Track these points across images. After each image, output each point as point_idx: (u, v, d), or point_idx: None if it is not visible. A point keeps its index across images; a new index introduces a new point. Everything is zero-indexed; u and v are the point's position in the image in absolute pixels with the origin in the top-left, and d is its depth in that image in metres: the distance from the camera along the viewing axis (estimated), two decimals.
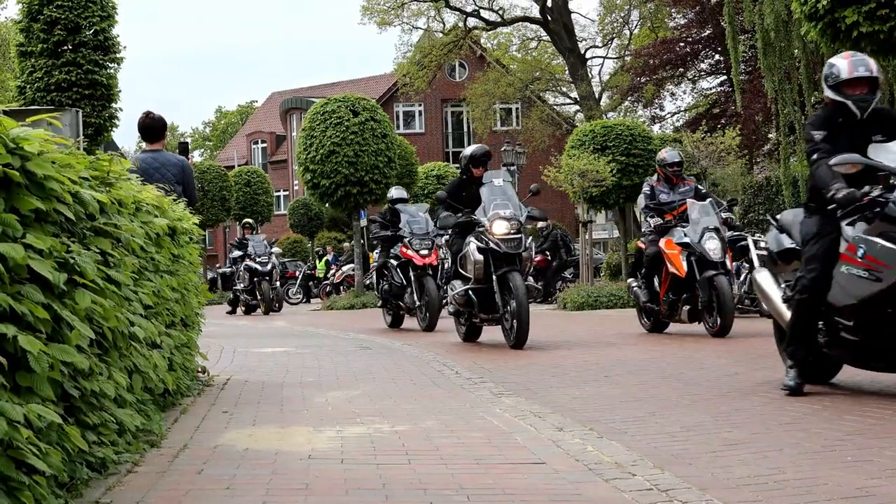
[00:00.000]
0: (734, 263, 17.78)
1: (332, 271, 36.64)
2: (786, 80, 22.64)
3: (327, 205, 32.98)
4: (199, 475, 4.84)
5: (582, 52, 54.00)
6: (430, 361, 10.67)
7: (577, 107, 55.49)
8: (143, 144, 10.29)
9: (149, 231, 6.09)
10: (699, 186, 14.46)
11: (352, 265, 34.11)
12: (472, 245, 12.35)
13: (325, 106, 30.60)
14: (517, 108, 60.50)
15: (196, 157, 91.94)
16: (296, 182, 59.02)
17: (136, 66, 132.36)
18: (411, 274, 16.72)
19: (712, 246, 13.01)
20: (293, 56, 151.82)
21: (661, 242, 13.50)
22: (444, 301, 14.90)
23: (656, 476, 4.72)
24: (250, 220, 30.61)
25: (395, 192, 19.09)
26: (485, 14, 54.48)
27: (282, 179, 68.47)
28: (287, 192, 68.29)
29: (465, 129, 64.24)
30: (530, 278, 12.87)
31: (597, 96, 53.98)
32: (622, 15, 56.08)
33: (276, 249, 28.18)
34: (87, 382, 4.38)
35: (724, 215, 13.78)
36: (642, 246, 14.70)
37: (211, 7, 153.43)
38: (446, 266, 16.12)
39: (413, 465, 5.06)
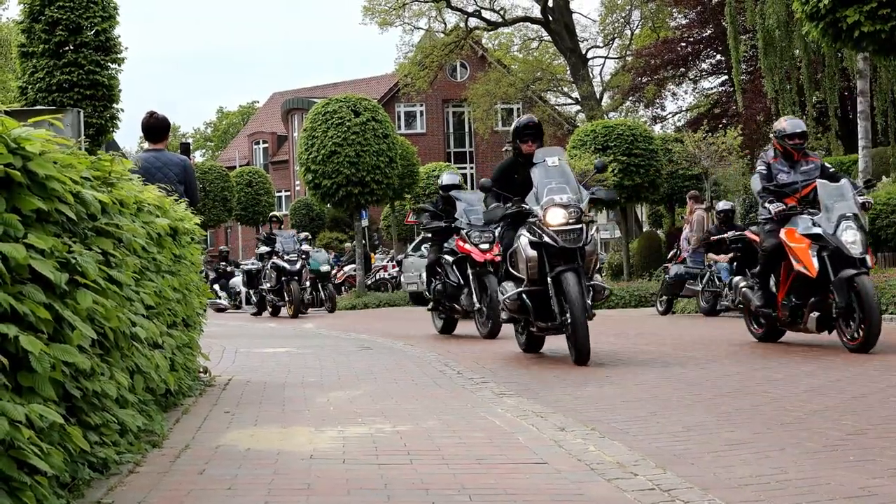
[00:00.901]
0: (735, 263, 17.81)
1: (334, 271, 36.56)
2: (786, 79, 22.65)
3: (329, 205, 33.00)
4: (201, 475, 4.84)
5: (583, 52, 53.99)
6: (431, 361, 10.66)
7: (579, 107, 55.50)
8: (145, 144, 10.29)
9: (150, 231, 6.08)
10: (826, 164, 11.83)
11: (353, 265, 34.11)
12: (522, 239, 10.55)
13: (326, 106, 30.62)
14: (518, 109, 60.42)
15: (197, 157, 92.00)
16: (297, 182, 59.02)
17: (134, 67, 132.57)
18: (469, 271, 14.60)
19: (850, 238, 10.54)
20: (292, 57, 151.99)
21: (782, 233, 10.98)
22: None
23: (658, 476, 4.72)
24: (277, 214, 27.78)
25: (448, 177, 16.60)
26: (486, 14, 54.49)
27: (283, 180, 68.49)
28: (288, 193, 68.31)
29: (467, 129, 64.28)
30: (597, 277, 10.92)
31: (598, 96, 53.99)
32: (623, 15, 56.10)
33: (307, 247, 25.29)
34: (88, 383, 4.38)
35: (861, 199, 11.05)
36: (754, 237, 13.12)
37: (209, 8, 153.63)
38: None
39: (415, 465, 5.06)
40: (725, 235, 18.16)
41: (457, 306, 15.01)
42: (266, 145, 74.53)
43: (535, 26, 55.64)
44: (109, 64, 24.68)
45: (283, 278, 23.92)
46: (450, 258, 15.03)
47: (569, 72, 53.88)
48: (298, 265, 23.83)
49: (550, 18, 51.92)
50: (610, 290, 11.90)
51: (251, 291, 32.04)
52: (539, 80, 55.69)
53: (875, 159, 23.10)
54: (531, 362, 10.65)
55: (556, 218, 10.32)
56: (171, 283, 6.84)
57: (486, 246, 14.54)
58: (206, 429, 6.25)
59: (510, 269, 10.87)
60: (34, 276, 3.69)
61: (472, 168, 63.83)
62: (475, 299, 14.40)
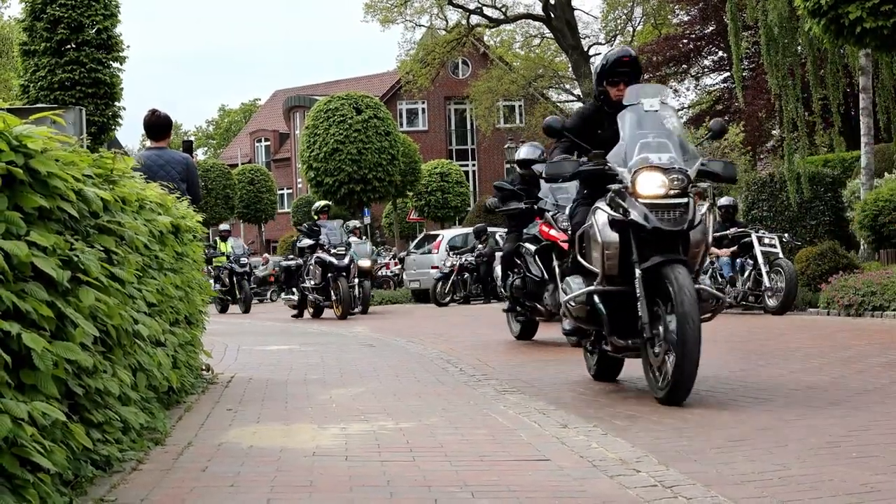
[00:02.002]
0: (738, 259, 17.81)
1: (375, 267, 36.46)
2: (789, 76, 22.63)
3: (331, 203, 33.01)
4: (204, 472, 4.85)
5: (585, 48, 53.96)
6: (434, 359, 10.66)
7: (581, 104, 55.45)
8: (147, 142, 10.30)
9: (152, 229, 6.09)
10: None
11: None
12: (599, 215, 7.47)
13: (328, 104, 30.65)
14: (520, 106, 60.51)
15: (199, 155, 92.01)
16: (299, 180, 59.07)
17: (136, 66, 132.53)
18: (555, 264, 11.74)
19: None
20: (294, 55, 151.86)
21: None
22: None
23: (661, 472, 4.72)
24: (329, 203, 25.08)
25: (527, 149, 13.87)
26: (488, 11, 54.48)
27: (285, 177, 68.50)
28: (290, 190, 68.32)
29: (469, 126, 64.27)
30: (704, 279, 9.05)
31: None
32: (625, 12, 56.12)
33: (354, 239, 22.90)
34: (91, 380, 4.38)
35: None
36: None
37: (210, 7, 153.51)
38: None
39: (417, 462, 5.06)
40: (728, 232, 18.15)
41: (539, 306, 12.35)
42: (268, 143, 74.53)
43: (537, 23, 55.66)
44: (111, 62, 24.72)
45: (329, 274, 21.10)
46: (531, 247, 12.44)
47: (570, 69, 53.89)
48: (347, 260, 21.13)
49: (552, 15, 51.91)
50: (725, 299, 8.09)
51: (282, 289, 30.82)
52: (541, 77, 55.73)
53: (877, 156, 23.08)
54: (534, 360, 10.63)
55: (650, 186, 7.24)
56: (174, 281, 6.84)
57: None
58: (209, 426, 6.25)
59: (580, 258, 7.86)
60: (36, 273, 3.69)
61: (474, 165, 63.84)
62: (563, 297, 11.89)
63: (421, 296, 29.48)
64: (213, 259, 27.18)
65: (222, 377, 9.03)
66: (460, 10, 54.06)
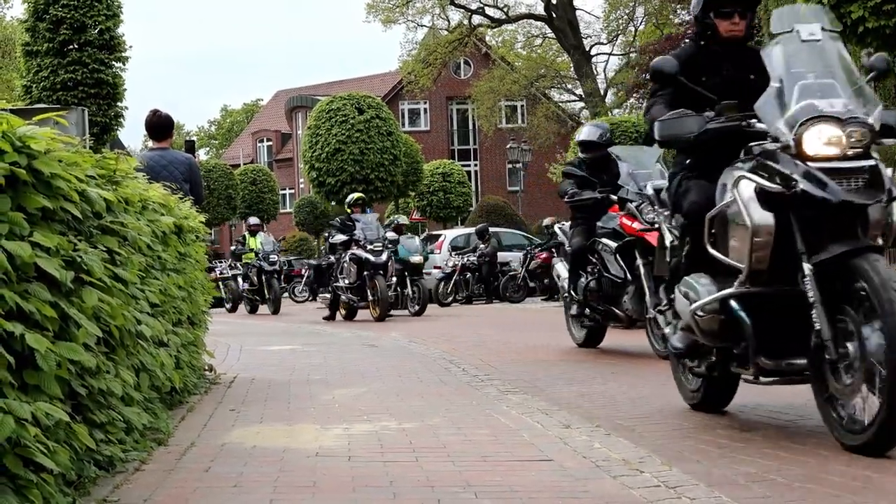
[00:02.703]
0: None
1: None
2: None
3: (333, 202, 33.02)
4: (207, 473, 4.85)
5: (587, 48, 54.02)
6: (436, 359, 10.66)
7: (583, 104, 55.51)
8: (150, 143, 10.30)
9: (155, 229, 6.09)
10: None
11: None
12: (743, 188, 5.59)
13: (330, 104, 30.68)
14: (522, 106, 60.51)
15: (202, 155, 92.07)
16: (301, 180, 59.09)
17: (138, 67, 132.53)
18: (639, 262, 10.17)
19: None
20: (296, 56, 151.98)
21: None
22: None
23: (664, 473, 4.72)
24: (363, 196, 22.69)
25: (589, 130, 11.92)
26: (489, 11, 54.55)
27: (287, 177, 68.53)
28: (293, 191, 68.35)
29: (471, 126, 64.27)
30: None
31: (602, 93, 54.03)
32: (627, 11, 56.14)
33: (392, 235, 21.02)
34: (94, 381, 4.38)
35: None
36: None
37: (212, 8, 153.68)
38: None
39: (420, 463, 5.06)
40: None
41: (617, 311, 10.69)
42: (270, 143, 74.57)
43: (539, 23, 55.70)
44: (114, 62, 24.74)
45: (364, 273, 19.30)
46: (611, 244, 10.69)
47: (572, 68, 53.93)
48: (384, 257, 19.37)
49: (554, 15, 51.93)
50: None
51: (315, 289, 29.37)
52: (543, 77, 55.75)
53: (880, 155, 23.03)
54: (537, 360, 10.63)
55: (823, 143, 5.35)
56: (177, 281, 6.85)
57: None
58: (212, 426, 6.25)
59: (709, 247, 5.81)
60: (40, 274, 3.69)
61: (475, 166, 63.84)
62: (650, 303, 9.65)
63: None
64: (242, 255, 26.23)
65: (225, 377, 9.03)
66: (462, 10, 54.12)
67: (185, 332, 7.34)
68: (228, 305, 26.54)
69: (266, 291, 25.11)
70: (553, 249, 28.86)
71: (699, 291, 5.90)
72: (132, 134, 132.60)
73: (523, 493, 4.37)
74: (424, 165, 40.59)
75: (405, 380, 8.93)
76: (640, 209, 10.03)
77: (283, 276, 23.13)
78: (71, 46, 24.23)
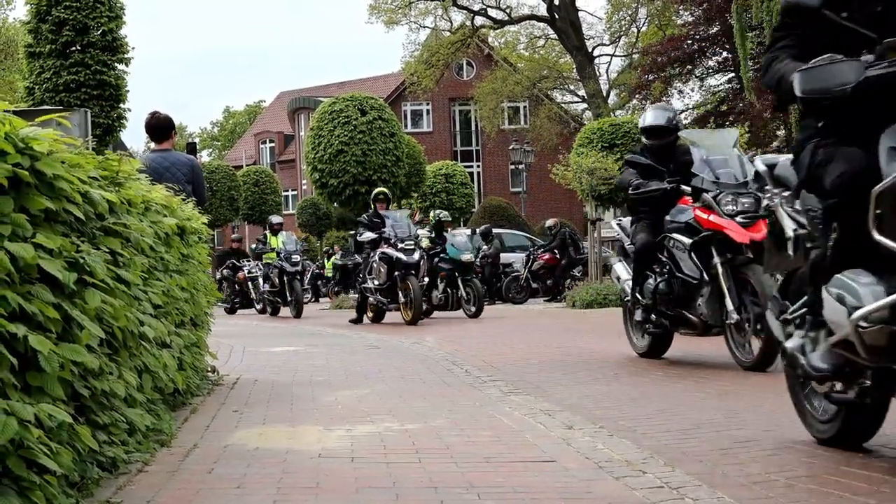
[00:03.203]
0: None
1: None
2: None
3: (336, 204, 33.00)
4: (210, 474, 4.85)
5: (589, 49, 54.04)
6: (439, 360, 10.66)
7: (585, 105, 55.55)
8: (152, 144, 10.30)
9: (158, 231, 6.09)
10: None
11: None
12: None
13: (332, 105, 30.65)
14: (525, 107, 60.52)
15: (204, 156, 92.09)
16: (304, 181, 59.09)
17: (140, 68, 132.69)
18: (716, 259, 9.06)
19: None
20: (298, 57, 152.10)
21: None
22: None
23: (667, 474, 4.72)
24: (385, 190, 21.11)
25: (655, 114, 10.42)
26: (492, 12, 54.58)
27: (290, 179, 68.55)
28: (295, 192, 68.36)
29: (473, 127, 64.27)
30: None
31: (605, 94, 54.05)
32: (630, 13, 56.18)
33: (423, 231, 20.06)
34: (97, 382, 4.39)
35: None
36: None
37: (214, 9, 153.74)
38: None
39: (423, 464, 5.06)
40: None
41: (690, 316, 9.50)
42: (273, 144, 74.60)
43: (542, 24, 55.74)
44: (116, 64, 24.74)
45: (395, 273, 17.98)
46: (684, 240, 9.42)
47: (575, 70, 53.95)
48: (417, 255, 18.09)
49: (556, 16, 51.95)
50: None
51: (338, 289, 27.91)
52: (545, 78, 55.78)
53: None
54: (539, 361, 10.62)
55: None
56: (179, 283, 6.85)
57: (747, 220, 9.04)
58: (215, 428, 6.25)
59: (875, 235, 4.38)
60: (42, 275, 3.69)
61: (478, 167, 63.85)
62: (730, 306, 8.91)
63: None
64: (263, 255, 25.15)
65: (228, 379, 9.03)
66: (465, 11, 54.16)
67: (188, 333, 7.34)
68: (259, 307, 25.64)
69: (288, 293, 23.92)
70: (556, 251, 28.87)
71: (860, 294, 4.46)
72: (135, 135, 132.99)
73: (526, 495, 4.37)
74: (427, 167, 40.57)
75: (408, 381, 8.93)
76: (717, 199, 9.11)
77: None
78: (73, 48, 24.23)
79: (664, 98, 49.21)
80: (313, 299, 38.73)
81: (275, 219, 26.63)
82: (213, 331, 9.44)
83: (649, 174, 9.99)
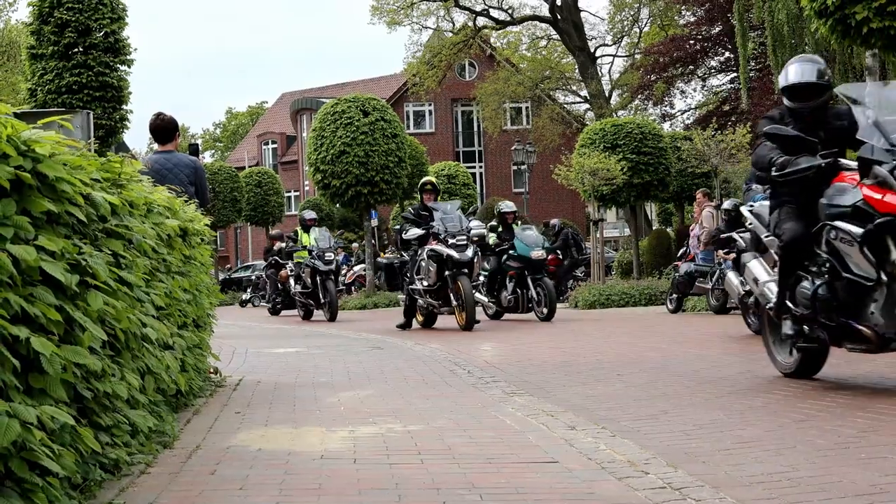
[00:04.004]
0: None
1: (343, 272, 36.11)
2: None
3: (338, 205, 32.99)
4: (213, 476, 4.85)
5: (592, 50, 54.03)
6: (441, 361, 10.65)
7: (588, 105, 55.54)
8: (155, 146, 10.30)
9: (160, 232, 6.09)
10: None
11: (363, 265, 34.06)
12: None
13: (335, 106, 30.64)
14: (527, 107, 60.52)
15: (207, 157, 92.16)
16: (307, 182, 59.12)
17: (143, 69, 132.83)
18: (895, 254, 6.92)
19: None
20: (301, 58, 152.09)
21: None
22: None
23: (669, 474, 4.72)
24: (433, 179, 18.39)
25: (801, 68, 7.99)
26: (494, 13, 54.55)
27: (292, 180, 68.57)
28: (298, 193, 68.38)
29: (476, 128, 64.25)
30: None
31: (607, 94, 54.01)
32: (632, 13, 56.15)
33: (476, 224, 17.06)
34: (99, 384, 4.39)
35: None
36: None
37: (216, 10, 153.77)
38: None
39: (426, 465, 5.06)
40: (733, 234, 18.10)
41: (860, 327, 7.33)
42: (275, 146, 74.62)
43: (544, 25, 55.70)
44: (119, 65, 24.77)
45: (446, 273, 16.06)
46: (853, 229, 7.17)
47: (577, 70, 53.91)
48: (470, 252, 16.04)
49: (559, 17, 51.94)
50: None
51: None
52: (548, 78, 55.72)
53: None
54: (542, 362, 10.63)
55: None
56: (182, 284, 6.85)
57: None
58: (217, 429, 6.26)
59: None
60: (45, 277, 3.69)
61: (481, 167, 63.85)
62: None
63: None
64: (294, 254, 23.54)
65: (230, 380, 9.04)
66: (467, 12, 54.13)
67: (191, 334, 7.34)
68: (302, 313, 23.36)
69: (321, 294, 21.84)
70: (558, 251, 28.84)
71: None
72: (137, 137, 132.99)
73: (529, 495, 4.37)
74: (429, 167, 40.57)
75: (410, 382, 8.93)
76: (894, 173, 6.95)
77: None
78: (76, 50, 24.25)
79: (666, 98, 49.20)
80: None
81: (307, 214, 24.20)
82: (215, 332, 9.44)
83: (795, 147, 7.67)
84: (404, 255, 17.41)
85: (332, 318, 21.33)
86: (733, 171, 28.06)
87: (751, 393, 7.64)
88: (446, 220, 16.38)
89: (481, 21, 54.50)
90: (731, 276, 11.18)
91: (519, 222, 20.66)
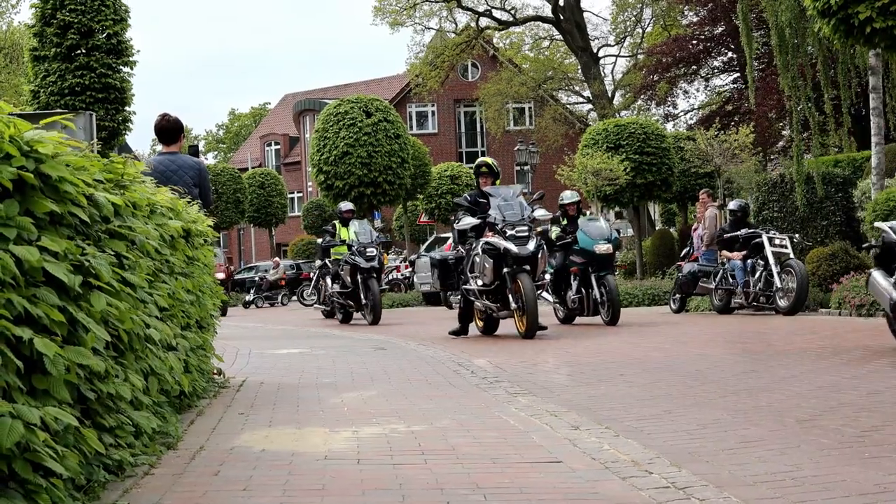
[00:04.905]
0: (749, 261, 17.76)
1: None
2: (799, 76, 22.60)
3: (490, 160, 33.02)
4: (216, 476, 4.85)
5: (594, 50, 54.01)
6: (445, 361, 10.65)
7: (590, 105, 55.54)
8: (158, 147, 10.30)
9: (163, 233, 6.09)
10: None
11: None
12: None
13: (338, 107, 30.68)
14: (530, 108, 60.53)
15: (209, 159, 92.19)
16: (310, 183, 59.13)
17: (145, 70, 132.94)
18: None
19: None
20: (302, 60, 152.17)
21: None
22: None
23: (673, 474, 4.71)
24: (489, 161, 15.39)
25: None
26: (497, 14, 54.56)
27: (295, 181, 68.60)
28: (301, 194, 68.41)
29: (479, 128, 64.29)
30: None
31: (610, 95, 54.00)
32: (635, 13, 56.12)
33: (541, 211, 14.61)
34: (103, 385, 4.39)
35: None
36: None
37: (218, 11, 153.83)
38: None
39: (429, 465, 5.06)
40: (739, 233, 18.12)
41: None
42: (278, 147, 74.65)
43: (546, 25, 55.71)
44: (121, 67, 24.78)
45: (504, 270, 13.65)
46: None
47: (580, 70, 53.93)
48: (532, 246, 13.56)
49: (561, 17, 51.93)
50: None
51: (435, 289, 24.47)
52: (550, 79, 55.76)
53: (888, 155, 23.02)
54: (545, 362, 10.63)
55: None
56: (185, 285, 6.85)
57: None
58: (221, 430, 6.25)
59: None
60: (48, 278, 3.69)
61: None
62: None
63: (431, 298, 29.45)
64: (331, 249, 21.15)
65: (234, 381, 9.04)
66: (469, 12, 54.16)
67: (194, 335, 7.34)
68: (340, 317, 21.04)
69: (362, 295, 19.59)
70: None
71: None
72: (141, 138, 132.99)
73: (532, 495, 4.37)
74: (432, 168, 40.59)
75: (414, 382, 8.93)
76: None
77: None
78: (79, 51, 24.27)
79: (669, 99, 49.18)
80: (319, 301, 38.62)
81: (344, 205, 21.97)
82: (218, 332, 9.44)
83: None
84: (461, 249, 14.91)
85: (375, 322, 19.26)
86: (736, 171, 28.06)
87: (754, 393, 7.63)
88: (504, 207, 13.93)
89: (484, 21, 54.53)
90: (879, 278, 10.14)
91: (587, 213, 19.35)
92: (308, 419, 6.73)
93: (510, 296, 13.56)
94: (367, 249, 19.54)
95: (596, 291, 16.23)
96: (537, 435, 5.91)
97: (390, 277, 35.43)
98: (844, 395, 7.27)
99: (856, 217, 23.39)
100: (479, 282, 13.90)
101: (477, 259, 14.02)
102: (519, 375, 9.27)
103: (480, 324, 14.80)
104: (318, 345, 13.96)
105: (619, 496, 4.34)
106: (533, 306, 13.15)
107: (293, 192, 66.63)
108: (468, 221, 14.21)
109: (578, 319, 17.00)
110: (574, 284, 16.58)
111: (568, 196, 17.61)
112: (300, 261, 47.09)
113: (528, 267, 13.51)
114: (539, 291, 13.94)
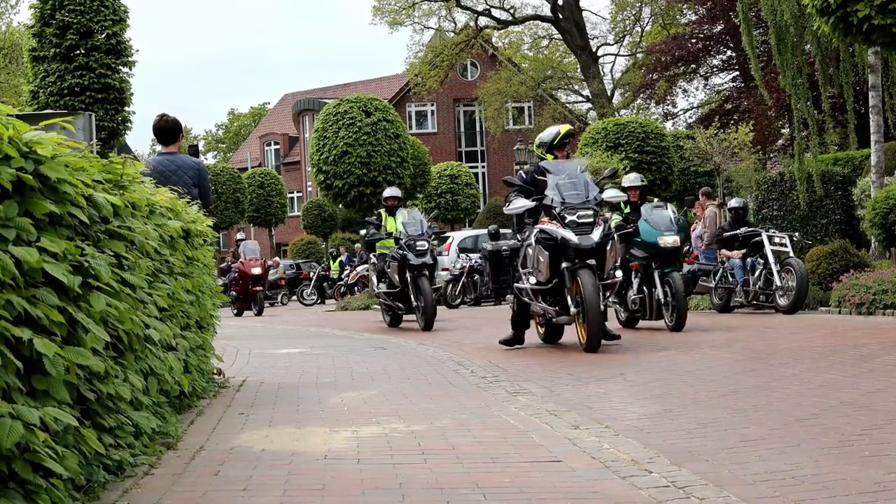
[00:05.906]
0: (749, 259, 17.76)
1: (346, 272, 36.00)
2: (798, 74, 22.59)
3: (341, 205, 33.00)
4: (216, 476, 4.85)
5: (594, 49, 54.04)
6: (445, 361, 10.65)
7: (590, 104, 55.54)
8: (157, 147, 10.29)
9: (163, 233, 6.09)
10: None
11: (366, 265, 34.03)
12: None
13: (337, 107, 30.67)
14: (529, 107, 60.52)
15: (209, 159, 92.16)
16: (309, 183, 59.16)
17: (145, 70, 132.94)
18: None
19: None
20: (302, 60, 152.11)
21: None
22: None
23: (673, 473, 4.71)
24: (569, 127, 12.58)
25: None
26: (496, 13, 54.57)
27: (295, 181, 68.59)
28: (300, 194, 68.41)
29: (478, 128, 64.27)
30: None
31: (609, 94, 54.03)
32: (634, 12, 56.16)
33: (612, 191, 12.10)
34: (102, 385, 4.39)
35: None
36: None
37: (218, 11, 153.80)
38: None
39: (429, 465, 5.06)
40: (738, 231, 18.11)
41: None
42: (278, 146, 74.63)
43: (546, 24, 55.75)
44: (120, 67, 24.76)
45: (563, 265, 11.13)
46: None
47: (579, 69, 53.95)
48: (596, 236, 11.11)
49: (560, 16, 51.95)
50: None
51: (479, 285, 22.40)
52: (550, 78, 55.78)
53: (887, 153, 23.02)
54: (545, 361, 10.62)
55: None
56: (184, 285, 6.85)
57: None
58: (221, 430, 6.26)
59: None
60: (47, 279, 3.69)
61: (483, 167, 63.84)
62: None
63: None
64: (376, 243, 18.14)
65: (234, 381, 9.04)
66: (468, 11, 54.18)
67: (194, 335, 7.34)
68: (388, 319, 18.18)
69: (413, 296, 16.83)
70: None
71: None
72: (140, 138, 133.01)
73: (532, 495, 4.37)
74: (432, 167, 40.63)
75: (414, 382, 8.93)
76: None
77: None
78: (78, 51, 24.25)
79: (668, 97, 49.19)
80: (319, 301, 38.72)
81: (389, 191, 18.96)
82: (218, 332, 9.44)
83: None
84: (517, 239, 12.61)
85: (428, 327, 16.32)
86: (736, 170, 28.06)
87: (754, 391, 7.63)
88: (565, 187, 11.33)
89: (483, 21, 54.56)
90: None
91: (654, 199, 16.73)
92: (308, 419, 6.73)
93: (568, 297, 11.11)
94: (418, 243, 16.68)
95: (659, 291, 14.05)
96: (537, 434, 5.91)
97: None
98: (844, 394, 7.27)
99: (855, 215, 23.38)
100: (533, 279, 11.43)
101: (530, 251, 11.52)
102: (518, 375, 9.27)
103: (541, 330, 12.45)
104: (318, 344, 13.96)
105: (619, 495, 4.34)
106: (595, 310, 10.74)
107: (293, 192, 66.63)
108: (520, 204, 11.55)
109: (640, 323, 14.90)
110: (635, 283, 14.45)
111: (631, 179, 15.57)
112: (300, 260, 47.12)
113: (592, 261, 11.07)
114: (608, 294, 11.74)
